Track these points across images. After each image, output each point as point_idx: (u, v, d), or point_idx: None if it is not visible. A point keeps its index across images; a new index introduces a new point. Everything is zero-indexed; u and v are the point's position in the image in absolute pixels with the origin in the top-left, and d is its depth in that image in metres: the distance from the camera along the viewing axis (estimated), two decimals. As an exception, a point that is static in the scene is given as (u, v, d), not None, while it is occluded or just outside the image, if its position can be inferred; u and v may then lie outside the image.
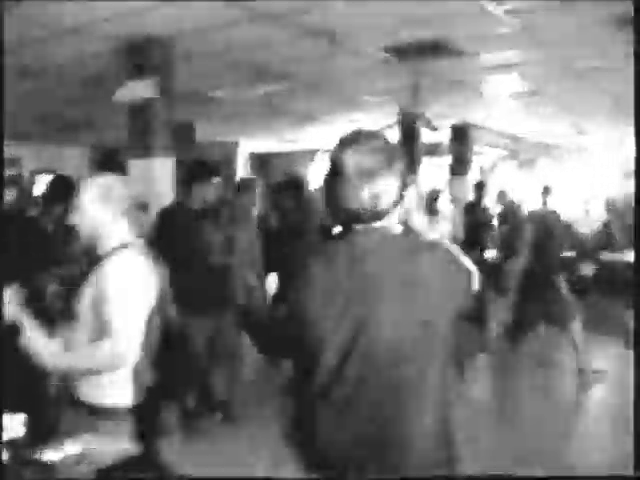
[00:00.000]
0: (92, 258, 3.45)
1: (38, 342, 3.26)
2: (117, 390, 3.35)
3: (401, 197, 2.46)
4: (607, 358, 9.37)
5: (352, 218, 2.43)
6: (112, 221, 3.42)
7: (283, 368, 2.37)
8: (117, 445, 3.07)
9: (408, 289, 2.34)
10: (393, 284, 2.34)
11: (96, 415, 3.31)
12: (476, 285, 2.61)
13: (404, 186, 2.46)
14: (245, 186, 7.79)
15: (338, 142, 2.46)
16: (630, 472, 3.93)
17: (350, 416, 2.38)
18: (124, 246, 3.40)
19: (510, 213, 12.32)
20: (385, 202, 2.40)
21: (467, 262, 2.60)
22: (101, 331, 3.22)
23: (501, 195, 12.65)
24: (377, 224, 2.43)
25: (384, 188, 2.38)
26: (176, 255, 6.32)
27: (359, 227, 2.44)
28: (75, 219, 3.44)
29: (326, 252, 2.53)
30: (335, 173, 2.41)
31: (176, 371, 6.55)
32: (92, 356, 3.27)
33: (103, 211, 3.40)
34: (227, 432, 6.66)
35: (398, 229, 2.53)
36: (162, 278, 6.33)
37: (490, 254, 11.52)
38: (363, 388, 2.36)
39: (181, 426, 6.63)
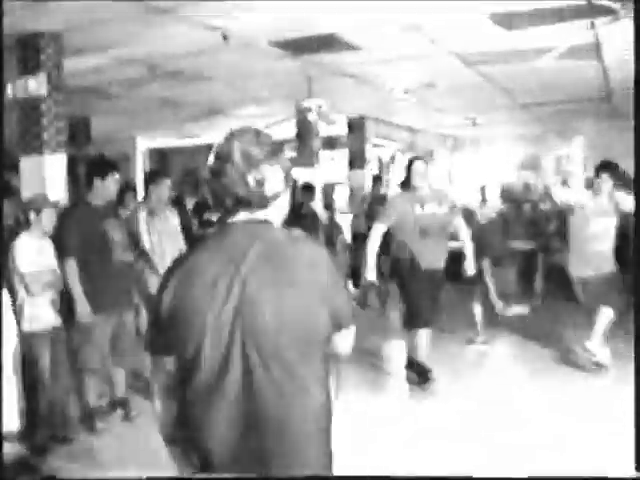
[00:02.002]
0: None
1: None
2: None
3: (284, 189, 2.55)
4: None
5: (236, 203, 2.48)
6: None
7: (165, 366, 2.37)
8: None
9: (283, 281, 2.38)
10: (269, 277, 2.38)
11: None
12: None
13: (288, 180, 2.56)
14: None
15: (226, 134, 2.55)
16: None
17: (236, 409, 2.39)
18: None
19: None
20: (269, 189, 2.48)
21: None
22: None
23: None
24: (256, 215, 2.50)
25: (268, 175, 2.47)
26: (80, 253, 6.30)
27: (237, 220, 2.49)
28: None
29: (206, 245, 2.56)
30: (222, 160, 2.48)
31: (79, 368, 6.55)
32: None
33: None
34: (127, 430, 6.63)
35: (276, 223, 2.58)
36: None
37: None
38: (246, 378, 2.38)
39: (82, 424, 6.59)
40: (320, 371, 2.49)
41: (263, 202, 2.49)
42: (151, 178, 7.69)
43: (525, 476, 5.07)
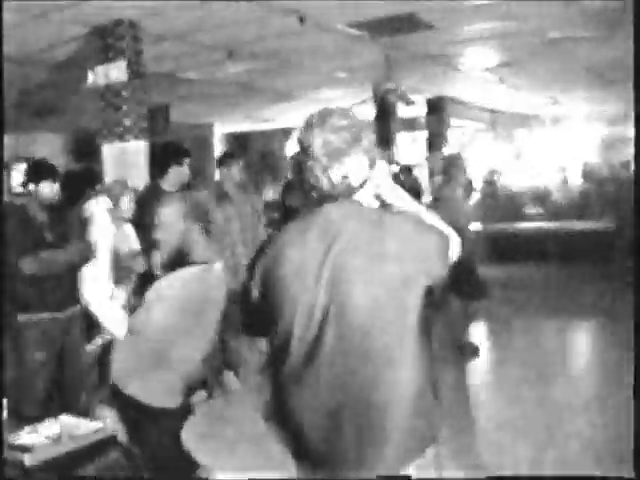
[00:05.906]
0: None
1: None
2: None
3: (370, 172, 2.50)
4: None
5: (323, 197, 2.46)
6: None
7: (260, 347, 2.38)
8: (93, 425, 3.08)
9: (378, 260, 2.34)
10: (363, 255, 2.34)
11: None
12: (455, 252, 2.57)
13: (373, 162, 2.50)
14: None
15: (304, 123, 2.49)
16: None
17: (326, 388, 2.39)
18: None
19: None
20: (354, 180, 2.45)
21: (445, 231, 2.57)
22: None
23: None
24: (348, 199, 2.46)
25: (352, 167, 2.43)
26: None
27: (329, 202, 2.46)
28: None
29: (296, 226, 2.54)
30: (303, 154, 2.45)
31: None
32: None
33: None
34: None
35: (368, 202, 2.54)
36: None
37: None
38: (338, 359, 2.37)
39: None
40: (416, 350, 2.41)
41: (349, 193, 2.46)
42: (222, 160, 7.48)
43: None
